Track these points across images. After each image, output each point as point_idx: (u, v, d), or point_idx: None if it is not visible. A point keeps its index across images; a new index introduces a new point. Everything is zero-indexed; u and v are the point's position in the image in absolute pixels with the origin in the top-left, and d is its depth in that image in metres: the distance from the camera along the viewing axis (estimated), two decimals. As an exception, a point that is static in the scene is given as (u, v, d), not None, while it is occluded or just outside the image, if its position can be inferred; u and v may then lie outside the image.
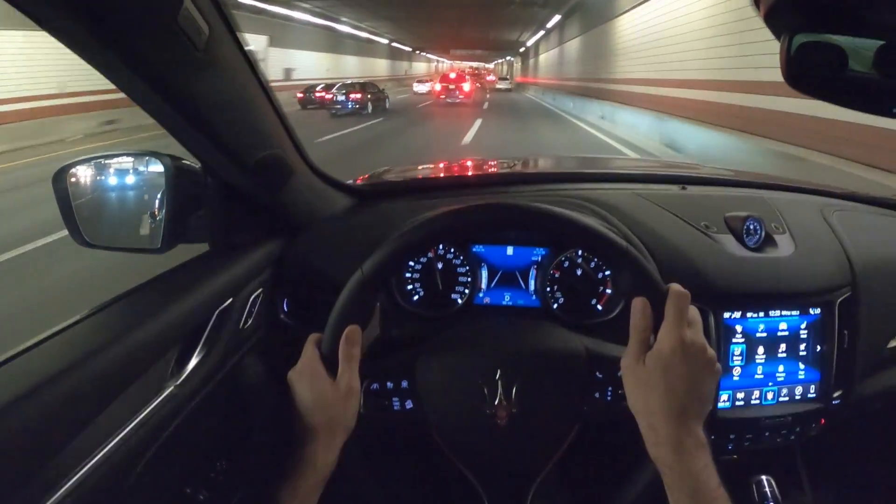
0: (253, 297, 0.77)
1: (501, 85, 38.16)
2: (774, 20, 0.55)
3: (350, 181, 1.00)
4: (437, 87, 24.49)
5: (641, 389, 0.57)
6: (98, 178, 0.75)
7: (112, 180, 0.75)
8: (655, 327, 0.58)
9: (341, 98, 17.17)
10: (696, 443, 0.55)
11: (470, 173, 1.39)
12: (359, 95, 17.23)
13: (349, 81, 19.33)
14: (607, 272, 0.85)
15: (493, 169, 1.42)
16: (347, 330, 0.64)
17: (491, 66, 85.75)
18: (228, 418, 0.71)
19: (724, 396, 0.83)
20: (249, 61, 0.63)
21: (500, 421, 0.67)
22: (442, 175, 1.37)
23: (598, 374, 0.69)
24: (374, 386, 0.70)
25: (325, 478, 0.63)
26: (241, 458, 0.71)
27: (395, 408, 0.70)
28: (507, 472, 0.73)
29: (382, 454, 0.86)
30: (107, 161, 0.75)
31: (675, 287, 0.59)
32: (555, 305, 0.85)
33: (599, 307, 0.85)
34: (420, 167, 1.56)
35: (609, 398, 0.68)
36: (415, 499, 0.93)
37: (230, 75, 0.62)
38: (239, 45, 0.60)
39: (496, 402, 0.67)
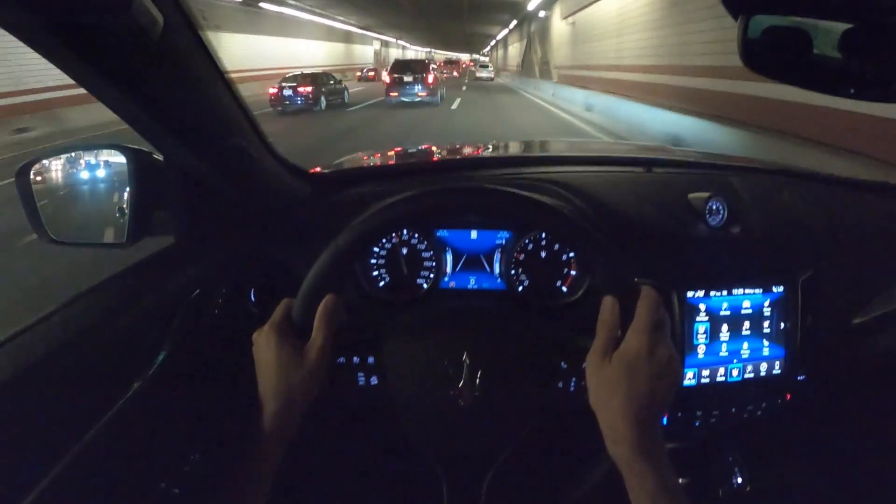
0: (219, 287, 0.76)
1: (483, 73, 33.57)
2: (731, 1, 0.55)
3: (315, 169, 1.00)
4: (386, 79, 16.61)
5: (605, 388, 0.58)
6: (62, 172, 0.74)
7: (77, 175, 0.74)
8: (623, 325, 0.59)
9: (288, 93, 14.83)
10: (654, 443, 0.56)
11: (436, 158, 1.39)
12: (309, 89, 15.10)
13: (298, 73, 16.14)
14: (571, 254, 0.86)
15: (460, 154, 1.42)
16: (327, 297, 0.64)
17: (467, 56, 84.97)
18: (200, 411, 0.70)
19: (690, 374, 0.85)
20: (207, 51, 0.62)
21: (463, 403, 0.67)
22: (407, 161, 1.37)
23: (563, 363, 0.69)
24: (341, 360, 0.70)
25: (281, 444, 0.62)
26: (215, 450, 0.70)
27: (360, 383, 0.71)
28: (466, 454, 0.74)
29: (344, 429, 0.86)
30: (71, 155, 0.73)
31: (648, 289, 0.59)
32: (520, 288, 0.86)
33: (564, 288, 0.85)
34: (386, 153, 1.56)
35: (572, 389, 0.69)
36: (374, 476, 0.93)
37: (187, 66, 0.61)
38: (196, 35, 0.60)
39: (460, 384, 0.67)
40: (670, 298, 0.82)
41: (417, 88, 15.78)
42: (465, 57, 79.52)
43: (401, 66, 16.45)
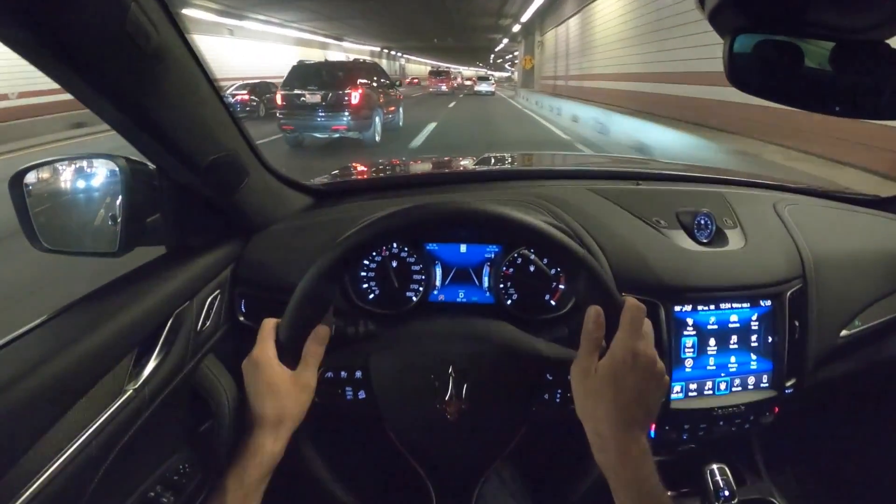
0: (210, 298, 0.76)
1: (482, 87, 30.81)
2: (719, 20, 0.56)
3: (308, 181, 1.00)
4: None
5: (590, 397, 0.58)
6: (55, 181, 0.74)
7: (69, 184, 0.74)
8: (608, 335, 0.59)
9: (229, 100, 14.18)
10: (640, 450, 0.56)
11: (427, 172, 1.39)
12: (248, 97, 14.79)
13: (242, 83, 15.64)
14: (559, 268, 0.86)
15: (450, 168, 1.43)
16: (318, 328, 0.65)
17: (465, 68, 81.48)
18: (189, 420, 0.70)
19: (678, 388, 0.85)
20: (200, 64, 0.63)
21: (451, 416, 0.67)
22: (399, 174, 1.37)
23: (548, 375, 0.70)
24: (329, 374, 0.70)
25: (272, 467, 0.64)
26: (205, 459, 0.70)
27: (349, 397, 0.71)
28: (454, 466, 0.74)
29: (333, 442, 0.87)
30: (63, 164, 0.74)
31: (632, 300, 0.60)
32: (508, 302, 0.86)
33: (553, 302, 0.86)
34: (379, 165, 1.56)
35: (558, 400, 0.70)
36: (363, 488, 0.94)
37: (180, 78, 0.61)
38: (189, 48, 0.60)
39: (447, 398, 0.67)
40: (657, 313, 0.82)
41: (329, 117, 8.94)
42: (467, 71, 72.62)
43: (301, 78, 9.21)
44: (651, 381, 0.57)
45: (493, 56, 65.45)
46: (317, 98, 9.04)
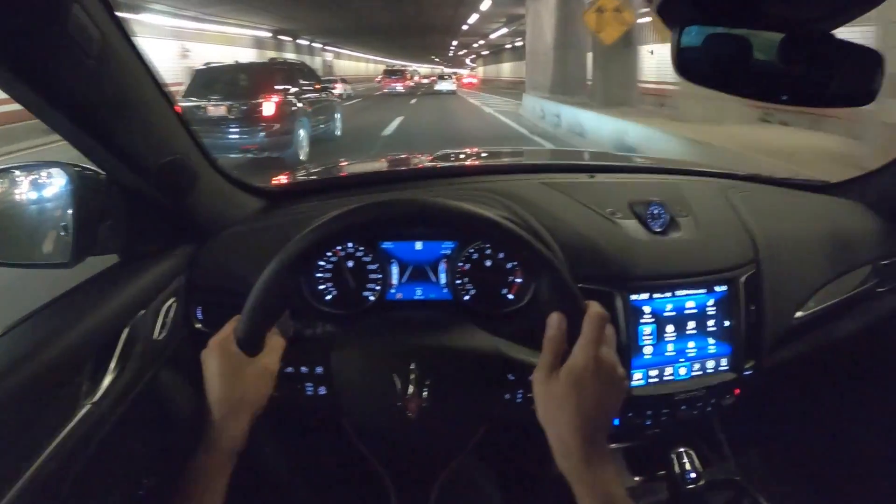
0: (166, 306, 0.75)
1: (443, 86, 29.62)
2: (668, 12, 0.57)
3: (262, 183, 0.98)
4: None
5: (552, 403, 0.59)
6: (1, 192, 0.72)
7: (17, 194, 0.72)
8: (570, 341, 0.59)
9: None
10: (602, 454, 0.57)
11: (381, 170, 1.39)
12: None
13: None
14: (515, 262, 0.87)
15: (405, 165, 1.42)
16: (279, 322, 0.66)
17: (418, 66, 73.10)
18: (150, 433, 0.69)
19: (638, 375, 0.86)
20: (145, 66, 0.61)
21: (411, 414, 0.67)
22: (353, 172, 1.36)
23: (509, 375, 0.70)
24: (289, 369, 0.70)
25: (232, 455, 0.63)
26: (168, 472, 0.69)
27: (309, 392, 0.71)
28: (414, 464, 0.75)
29: (293, 438, 0.86)
30: (9, 173, 0.71)
31: (595, 306, 0.60)
32: (466, 297, 0.86)
33: (511, 296, 0.86)
34: (334, 165, 1.56)
35: (519, 400, 0.70)
36: (323, 485, 0.93)
37: (125, 81, 0.60)
38: (134, 50, 0.59)
39: (407, 395, 0.67)
40: (614, 302, 0.83)
41: (236, 133, 7.01)
42: (423, 69, 66.35)
43: (206, 85, 7.26)
44: (612, 387, 0.58)
45: (452, 49, 60.22)
46: (221, 110, 6.96)
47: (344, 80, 25.50)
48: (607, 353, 0.59)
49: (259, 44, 27.03)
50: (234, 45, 23.50)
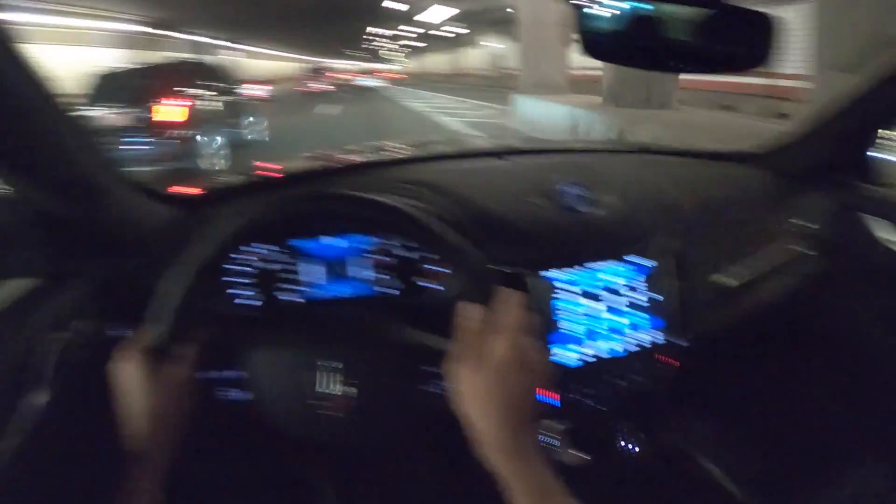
0: (84, 325, 0.72)
1: (367, 82, 28.13)
2: (569, -6, 0.58)
3: (177, 190, 0.95)
4: None
5: (478, 398, 0.57)
6: None
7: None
8: (487, 331, 0.57)
9: None
10: (532, 442, 0.56)
11: (300, 168, 1.37)
12: None
13: None
14: (433, 254, 0.85)
15: (329, 161, 1.41)
16: (191, 332, 0.64)
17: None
18: (81, 457, 0.66)
19: (574, 355, 0.86)
20: (33, 77, 0.57)
21: (336, 413, 0.67)
22: (272, 172, 1.34)
23: (433, 368, 0.69)
24: (207, 376, 0.68)
25: (158, 471, 0.61)
26: (106, 496, 0.66)
27: (231, 398, 0.69)
28: (342, 462, 0.73)
29: (221, 449, 0.84)
30: None
31: (507, 293, 0.59)
32: (386, 291, 0.85)
33: (431, 287, 0.85)
34: (252, 168, 1.53)
35: (440, 391, 0.69)
36: (253, 490, 0.92)
37: (12, 94, 0.56)
38: (21, 60, 0.55)
39: (331, 395, 0.67)
40: (537, 283, 0.83)
41: (134, 144, 5.96)
42: (339, 65, 56.71)
43: (105, 92, 6.27)
44: (537, 373, 0.58)
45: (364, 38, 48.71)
46: (127, 118, 6.09)
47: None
48: (526, 341, 0.57)
49: (130, 42, 18.33)
50: (90, 44, 16.21)
